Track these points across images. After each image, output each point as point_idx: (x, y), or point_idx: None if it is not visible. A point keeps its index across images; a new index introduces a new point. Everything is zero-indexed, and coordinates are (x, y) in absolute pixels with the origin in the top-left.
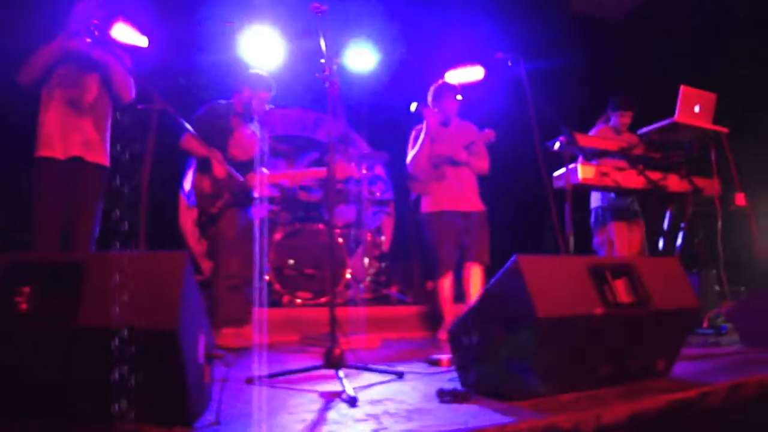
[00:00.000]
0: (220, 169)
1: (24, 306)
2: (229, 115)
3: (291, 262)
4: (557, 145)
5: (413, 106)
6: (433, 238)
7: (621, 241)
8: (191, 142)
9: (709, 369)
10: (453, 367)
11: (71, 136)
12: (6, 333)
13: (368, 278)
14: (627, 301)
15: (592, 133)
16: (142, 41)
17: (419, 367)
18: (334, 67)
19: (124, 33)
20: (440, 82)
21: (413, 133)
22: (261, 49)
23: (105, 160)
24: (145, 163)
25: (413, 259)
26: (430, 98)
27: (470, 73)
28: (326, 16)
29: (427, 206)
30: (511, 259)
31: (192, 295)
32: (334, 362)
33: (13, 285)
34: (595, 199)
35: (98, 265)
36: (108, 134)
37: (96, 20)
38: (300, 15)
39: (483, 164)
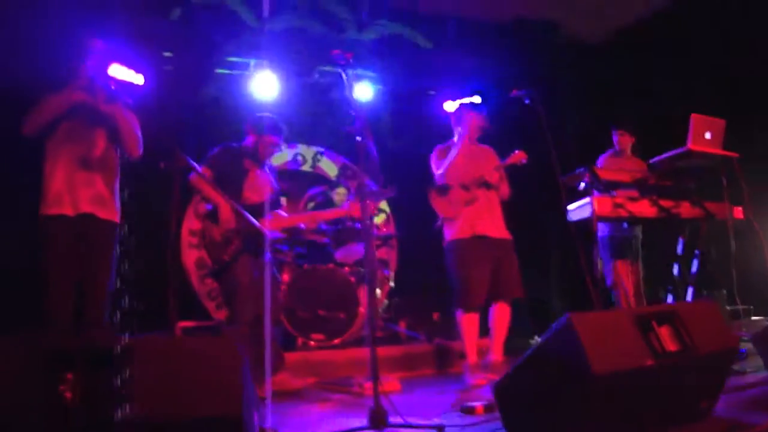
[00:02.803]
0: (226, 216)
1: (68, 395)
2: (243, 157)
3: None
4: (582, 185)
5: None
6: (463, 267)
7: (627, 276)
8: (202, 183)
9: (744, 402)
10: (488, 415)
11: (81, 192)
12: (51, 428)
13: (380, 314)
14: (673, 349)
15: (599, 163)
16: (138, 79)
17: (454, 416)
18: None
19: (120, 71)
20: (467, 101)
21: (435, 151)
22: (261, 86)
23: (116, 216)
24: (171, 224)
25: (419, 292)
26: (453, 117)
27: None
28: (350, 64)
29: (455, 233)
30: (564, 317)
31: (246, 373)
32: (379, 421)
33: (56, 372)
34: (602, 229)
35: (147, 349)
36: (117, 189)
37: (107, 73)
38: (299, 53)
39: (506, 189)
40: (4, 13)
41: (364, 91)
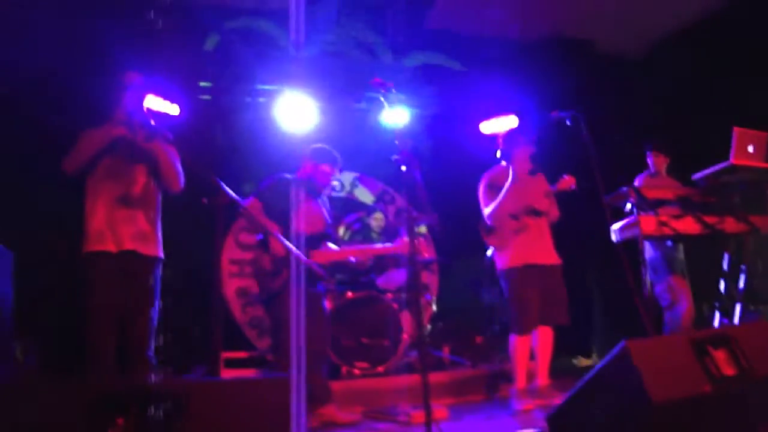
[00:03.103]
0: (278, 245)
1: None
2: (296, 188)
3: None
4: (628, 206)
5: (498, 153)
6: (517, 293)
7: (683, 292)
8: (252, 211)
9: None
10: None
11: (122, 229)
12: None
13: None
14: (730, 374)
15: (636, 183)
16: (173, 110)
17: None
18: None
19: (156, 102)
20: (515, 127)
21: (484, 181)
22: (295, 113)
23: (159, 252)
24: (215, 257)
25: (461, 316)
26: (503, 144)
27: (504, 123)
28: (390, 91)
29: (507, 261)
30: (619, 344)
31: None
32: None
33: (106, 416)
34: (648, 250)
35: (199, 393)
36: (159, 224)
37: (145, 107)
38: (335, 79)
39: (555, 212)
40: (41, 53)
41: (399, 116)
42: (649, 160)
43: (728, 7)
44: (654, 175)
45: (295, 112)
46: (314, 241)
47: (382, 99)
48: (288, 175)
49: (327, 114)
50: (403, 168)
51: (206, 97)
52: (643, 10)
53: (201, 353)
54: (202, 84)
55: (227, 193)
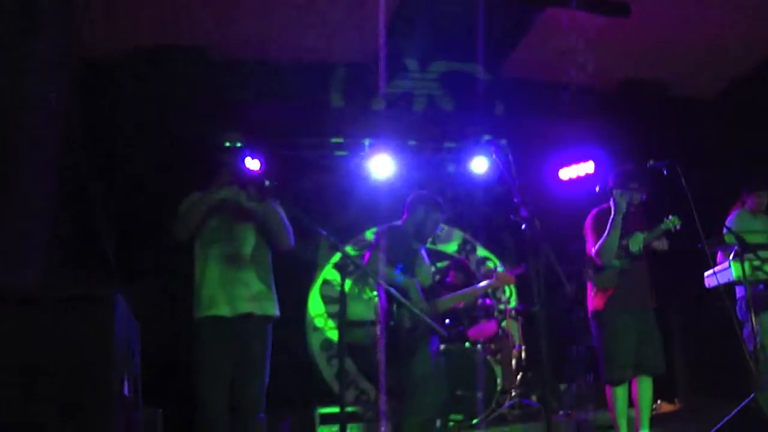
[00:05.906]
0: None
1: None
2: (408, 238)
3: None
4: (732, 254)
5: (597, 188)
6: (609, 341)
7: None
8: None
9: None
10: None
11: (236, 292)
12: None
13: (514, 390)
14: None
15: (730, 220)
16: (254, 164)
17: None
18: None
19: (253, 162)
20: (626, 167)
21: (590, 220)
22: (381, 166)
23: (273, 310)
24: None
25: (543, 364)
26: (612, 182)
27: (582, 169)
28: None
29: (603, 303)
30: (749, 397)
31: None
32: None
33: None
34: (740, 290)
35: None
36: (273, 282)
37: (250, 167)
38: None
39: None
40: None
41: (480, 165)
42: (750, 200)
43: None
44: (752, 214)
45: (378, 163)
46: (434, 290)
47: (493, 156)
48: (398, 224)
49: (406, 164)
50: (524, 227)
51: (342, 152)
52: (715, 50)
53: (287, 406)
54: (333, 140)
55: (347, 255)
